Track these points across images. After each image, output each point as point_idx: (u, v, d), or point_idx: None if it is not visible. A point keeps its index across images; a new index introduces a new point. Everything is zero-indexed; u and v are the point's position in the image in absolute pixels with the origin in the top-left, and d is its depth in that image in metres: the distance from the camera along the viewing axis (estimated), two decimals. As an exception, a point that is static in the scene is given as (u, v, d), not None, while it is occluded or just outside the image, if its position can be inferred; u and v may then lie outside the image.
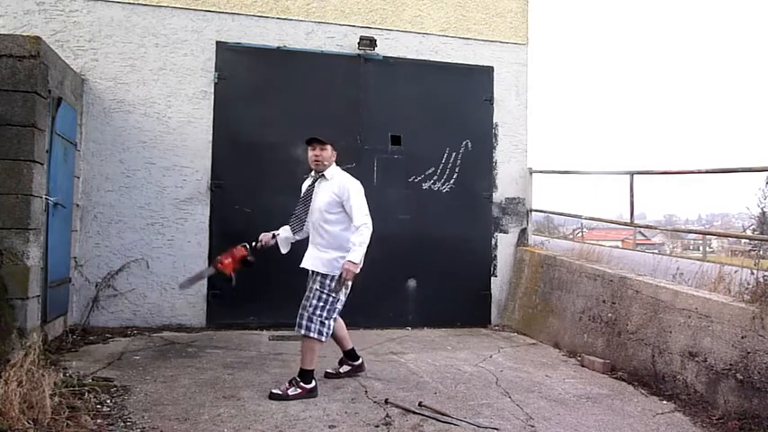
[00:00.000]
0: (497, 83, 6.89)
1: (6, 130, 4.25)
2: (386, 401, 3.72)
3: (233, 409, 3.50)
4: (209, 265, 4.11)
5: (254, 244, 4.12)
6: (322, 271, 3.86)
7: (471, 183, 6.75)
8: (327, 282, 3.84)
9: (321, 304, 3.82)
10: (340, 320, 4.20)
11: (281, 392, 3.74)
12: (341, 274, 3.76)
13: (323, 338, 3.82)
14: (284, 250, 4.19)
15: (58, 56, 4.99)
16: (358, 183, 4.01)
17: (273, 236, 4.16)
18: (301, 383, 3.77)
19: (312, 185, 4.05)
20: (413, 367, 4.69)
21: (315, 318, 3.80)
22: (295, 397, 3.72)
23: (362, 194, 3.95)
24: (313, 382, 3.82)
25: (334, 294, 3.84)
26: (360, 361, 4.36)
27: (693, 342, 4.01)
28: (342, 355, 4.36)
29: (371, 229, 3.85)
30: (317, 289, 3.85)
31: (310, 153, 4.01)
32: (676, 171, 5.73)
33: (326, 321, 3.82)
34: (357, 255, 3.76)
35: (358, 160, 6.33)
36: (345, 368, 4.32)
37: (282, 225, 4.24)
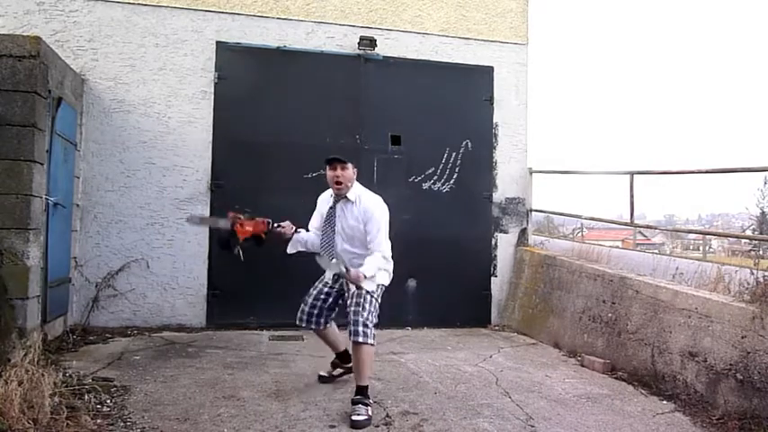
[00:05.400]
0: (497, 83, 6.89)
1: (6, 130, 4.25)
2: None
3: (233, 409, 3.50)
4: (228, 218, 3.77)
5: (275, 225, 3.88)
6: (368, 288, 3.66)
7: (471, 183, 6.75)
8: (378, 290, 3.72)
9: (372, 310, 3.64)
10: (334, 324, 4.14)
11: (367, 417, 3.38)
12: (347, 269, 3.56)
13: (375, 343, 3.65)
14: (291, 250, 4.00)
15: (58, 56, 4.99)
16: (383, 206, 3.78)
17: (295, 231, 3.93)
18: (368, 400, 3.52)
19: (333, 207, 3.84)
20: (413, 367, 4.69)
21: (369, 323, 3.59)
22: (370, 418, 3.40)
23: (385, 220, 3.74)
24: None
25: (379, 301, 3.72)
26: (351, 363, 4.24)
27: (693, 342, 4.01)
28: (334, 357, 4.27)
29: (387, 260, 3.73)
30: (367, 294, 3.64)
31: (330, 174, 3.76)
32: (676, 171, 5.74)
33: (374, 327, 3.66)
34: (369, 269, 3.56)
35: (358, 160, 6.31)
36: (339, 371, 4.24)
37: (299, 227, 4.10)
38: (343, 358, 4.21)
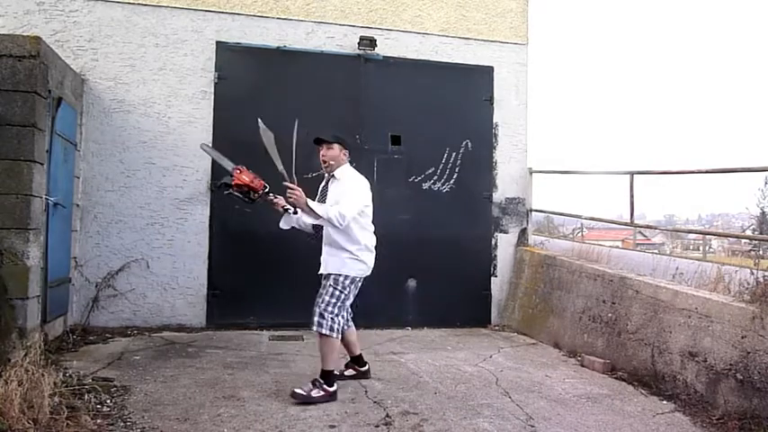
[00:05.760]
0: (497, 83, 6.89)
1: (6, 130, 4.25)
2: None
3: (233, 409, 3.50)
4: (234, 163, 3.88)
5: (270, 193, 3.91)
6: (333, 272, 3.82)
7: (471, 183, 6.75)
8: (341, 279, 3.80)
9: (333, 300, 3.76)
10: (353, 328, 4.20)
11: (304, 393, 3.65)
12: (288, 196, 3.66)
13: (334, 335, 3.74)
14: (284, 225, 4.04)
15: (58, 56, 4.99)
16: (360, 180, 3.92)
17: (286, 210, 3.93)
18: (324, 386, 3.70)
19: (326, 185, 4.00)
20: (413, 367, 4.69)
21: (326, 314, 3.73)
22: (318, 400, 3.63)
23: (358, 191, 3.83)
24: (335, 385, 3.77)
25: (346, 292, 3.80)
26: (366, 367, 4.30)
27: (693, 342, 4.01)
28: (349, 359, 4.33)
29: (341, 222, 3.68)
30: (329, 285, 3.79)
31: (319, 154, 3.97)
32: (676, 171, 5.73)
33: (336, 318, 3.76)
34: (316, 207, 3.66)
35: (358, 160, 6.31)
36: (350, 372, 4.29)
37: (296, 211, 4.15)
38: (357, 362, 4.28)
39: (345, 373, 4.28)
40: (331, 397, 3.71)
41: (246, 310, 5.99)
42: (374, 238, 4.02)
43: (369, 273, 3.97)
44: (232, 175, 3.86)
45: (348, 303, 3.91)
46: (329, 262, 3.86)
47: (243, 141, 6.10)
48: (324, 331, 3.72)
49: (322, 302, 3.76)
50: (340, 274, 3.81)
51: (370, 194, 3.97)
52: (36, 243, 4.40)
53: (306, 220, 3.98)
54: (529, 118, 7.02)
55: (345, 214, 3.69)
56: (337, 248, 3.85)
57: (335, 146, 3.92)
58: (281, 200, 3.92)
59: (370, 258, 3.93)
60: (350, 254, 3.82)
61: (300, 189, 3.66)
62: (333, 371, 3.79)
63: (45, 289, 4.63)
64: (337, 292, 3.79)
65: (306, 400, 3.62)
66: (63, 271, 5.23)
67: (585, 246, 6.86)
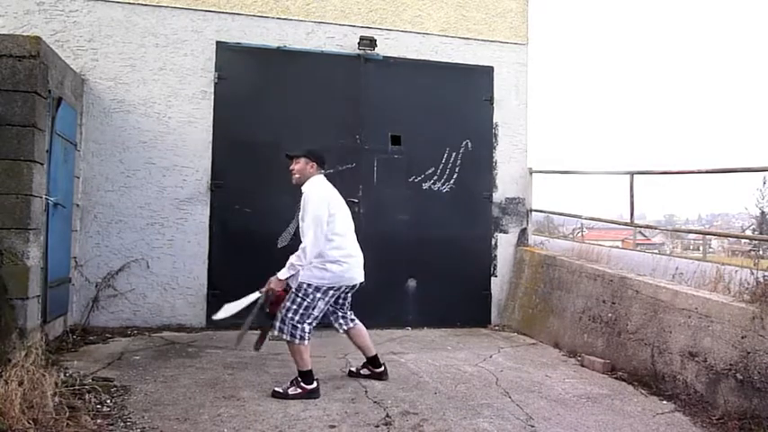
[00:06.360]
0: (497, 83, 6.89)
1: (6, 130, 4.24)
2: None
3: (233, 409, 3.51)
4: (262, 301, 3.87)
5: (286, 282, 3.94)
6: (300, 280, 3.86)
7: (471, 183, 6.75)
8: (304, 286, 3.84)
9: (294, 307, 3.82)
10: (361, 328, 4.23)
11: (281, 391, 3.79)
12: (263, 293, 3.84)
13: (296, 341, 3.79)
14: (281, 244, 4.34)
15: (58, 56, 4.99)
16: (319, 197, 3.87)
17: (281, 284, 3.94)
18: (302, 383, 3.80)
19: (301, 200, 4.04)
20: (413, 367, 4.69)
21: (287, 320, 3.81)
22: (295, 396, 3.74)
23: (317, 212, 3.80)
24: (314, 383, 3.83)
25: (309, 300, 3.83)
26: (382, 369, 4.29)
27: (693, 342, 4.01)
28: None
29: (310, 255, 3.76)
30: (292, 291, 3.88)
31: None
32: (676, 171, 5.73)
33: (299, 325, 3.80)
34: (284, 272, 3.81)
35: (358, 160, 6.34)
36: (366, 371, 4.32)
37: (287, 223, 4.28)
38: (372, 363, 4.30)
39: (361, 371, 4.32)
40: (311, 394, 3.78)
41: (247, 310, 5.98)
42: (350, 243, 4.00)
43: (343, 283, 3.93)
44: (271, 313, 3.94)
45: (316, 312, 3.87)
46: (301, 274, 3.87)
47: (243, 141, 6.13)
48: (285, 337, 3.83)
49: (283, 308, 3.85)
50: (303, 282, 3.86)
51: (331, 202, 3.92)
52: (36, 243, 4.40)
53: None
54: (529, 118, 7.02)
55: (309, 248, 3.76)
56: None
57: (302, 159, 4.03)
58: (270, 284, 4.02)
59: (339, 268, 3.89)
60: (315, 264, 3.85)
61: (273, 280, 3.84)
62: (309, 370, 3.83)
63: (45, 289, 4.63)
64: (299, 300, 3.83)
65: (282, 397, 3.73)
66: (63, 271, 5.23)
67: (585, 246, 6.86)
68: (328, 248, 3.86)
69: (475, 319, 6.66)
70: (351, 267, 3.95)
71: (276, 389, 3.82)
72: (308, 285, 3.84)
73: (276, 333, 3.86)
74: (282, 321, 3.83)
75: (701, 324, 3.97)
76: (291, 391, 3.78)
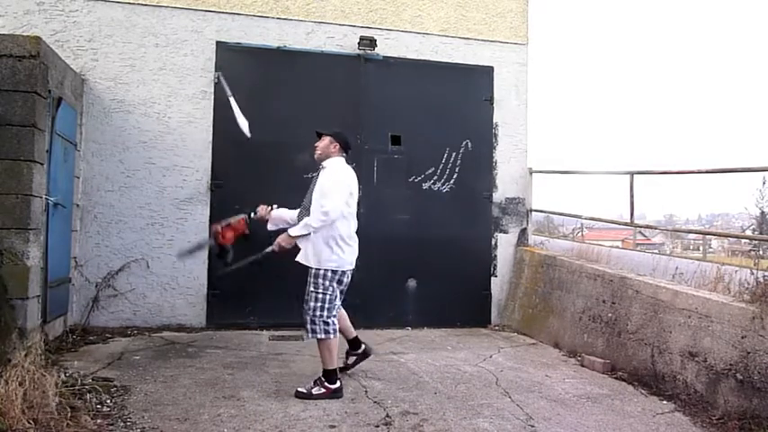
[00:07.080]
0: (497, 83, 6.89)
1: (6, 130, 4.24)
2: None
3: (233, 409, 3.51)
4: (209, 235, 4.08)
5: (252, 216, 4.17)
6: (312, 265, 3.85)
7: (471, 183, 6.75)
8: (320, 280, 3.84)
9: (319, 305, 3.83)
10: (342, 311, 4.22)
11: (305, 391, 3.77)
12: (271, 247, 3.92)
13: (331, 336, 3.82)
14: (272, 227, 4.23)
15: (58, 56, 4.98)
16: (341, 174, 3.95)
17: (271, 209, 4.20)
18: (326, 383, 3.78)
19: (317, 174, 4.07)
20: (413, 367, 4.69)
21: (317, 319, 3.81)
22: (319, 396, 3.73)
23: (335, 185, 3.85)
24: (338, 382, 3.83)
25: (329, 292, 3.84)
26: (363, 347, 4.35)
27: (693, 342, 4.01)
28: (346, 346, 4.36)
29: (322, 222, 3.78)
30: (311, 290, 3.85)
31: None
32: (676, 171, 5.73)
33: (329, 320, 3.83)
34: (296, 230, 3.85)
35: (358, 160, 6.32)
36: (352, 359, 4.35)
37: (274, 204, 4.32)
38: (352, 345, 4.35)
39: (348, 362, 4.34)
40: (335, 393, 3.77)
41: (246, 310, 5.99)
42: (354, 226, 4.04)
43: (345, 267, 3.94)
44: (220, 243, 4.07)
45: (336, 301, 3.92)
46: (311, 253, 3.86)
47: (243, 141, 6.10)
48: (320, 336, 3.81)
49: (309, 309, 3.83)
50: (319, 272, 3.84)
51: (351, 183, 4.00)
52: (36, 243, 4.40)
53: (293, 217, 4.12)
54: (529, 118, 7.02)
55: (320, 216, 3.77)
56: (323, 239, 3.85)
57: (327, 138, 4.10)
58: (261, 209, 4.22)
59: (348, 248, 3.93)
60: (327, 243, 3.84)
61: (283, 236, 3.90)
62: (335, 369, 3.83)
63: (45, 289, 4.63)
64: (320, 295, 3.83)
65: (306, 398, 3.71)
66: (63, 271, 5.23)
67: (585, 246, 6.86)
68: (339, 224, 3.86)
69: (475, 318, 6.66)
70: (353, 251, 4.00)
71: (299, 389, 3.80)
72: (324, 274, 3.83)
73: (309, 336, 3.84)
74: (312, 322, 3.81)
75: (701, 324, 3.97)
76: (315, 390, 3.76)
